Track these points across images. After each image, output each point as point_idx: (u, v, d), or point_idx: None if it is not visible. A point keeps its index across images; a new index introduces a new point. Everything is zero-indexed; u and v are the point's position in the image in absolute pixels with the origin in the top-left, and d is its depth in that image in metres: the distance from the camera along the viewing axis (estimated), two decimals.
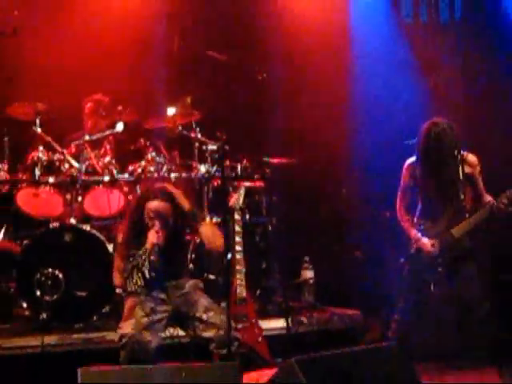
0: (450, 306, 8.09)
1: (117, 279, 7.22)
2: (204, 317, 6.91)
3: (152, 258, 6.87)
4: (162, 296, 7.04)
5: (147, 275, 6.89)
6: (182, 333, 7.27)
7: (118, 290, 7.93)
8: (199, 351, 7.01)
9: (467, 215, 7.97)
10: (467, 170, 8.02)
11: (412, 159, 8.10)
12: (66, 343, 8.01)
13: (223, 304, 7.91)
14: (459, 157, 7.93)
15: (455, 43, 10.89)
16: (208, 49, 10.06)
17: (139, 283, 6.89)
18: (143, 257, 6.89)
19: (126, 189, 9.37)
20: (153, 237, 6.89)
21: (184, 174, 9.48)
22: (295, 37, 10.64)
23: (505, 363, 7.73)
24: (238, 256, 7.95)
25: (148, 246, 6.89)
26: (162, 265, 7.03)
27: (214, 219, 9.20)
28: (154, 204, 6.96)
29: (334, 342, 8.24)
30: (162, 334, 7.04)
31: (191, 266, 8.99)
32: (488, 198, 7.96)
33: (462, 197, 7.99)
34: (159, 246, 6.92)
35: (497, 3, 10.10)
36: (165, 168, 9.35)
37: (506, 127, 9.27)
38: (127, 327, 6.78)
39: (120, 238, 7.46)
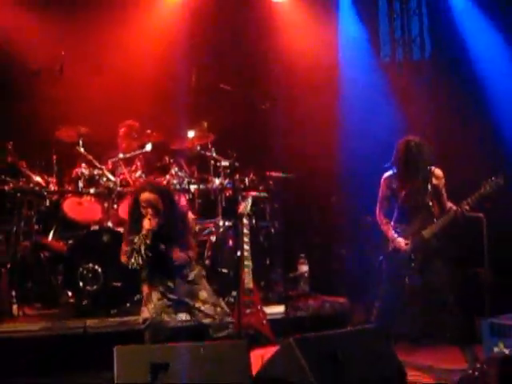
0: (421, 295, 8.08)
1: (123, 259, 7.15)
2: (202, 308, 7.03)
3: (147, 241, 6.95)
4: (171, 285, 7.09)
5: (144, 256, 6.96)
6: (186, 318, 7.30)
7: None
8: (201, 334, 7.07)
9: (435, 219, 7.98)
10: (434, 181, 8.05)
11: (388, 173, 8.13)
12: (104, 325, 8.05)
13: (234, 293, 7.97)
14: (428, 170, 7.98)
15: (426, 77, 10.89)
16: (220, 82, 10.06)
17: (139, 262, 6.97)
18: (140, 241, 6.96)
19: None
20: (147, 224, 6.97)
21: (201, 186, 9.49)
22: (293, 71, 10.67)
23: (467, 343, 7.72)
24: (246, 253, 7.95)
25: (144, 231, 6.95)
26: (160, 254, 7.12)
27: (227, 223, 9.23)
28: (145, 196, 7.05)
29: (325, 325, 8.23)
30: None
31: (207, 261, 9.01)
32: (450, 204, 7.98)
33: (431, 204, 8.01)
34: (153, 230, 6.97)
35: (461, 45, 10.07)
36: (185, 181, 9.36)
37: (466, 147, 9.27)
38: (147, 312, 6.90)
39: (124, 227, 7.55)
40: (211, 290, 7.34)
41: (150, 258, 7.07)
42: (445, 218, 7.95)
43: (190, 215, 7.76)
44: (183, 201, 9.28)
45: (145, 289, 7.17)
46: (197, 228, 9.35)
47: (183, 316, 7.28)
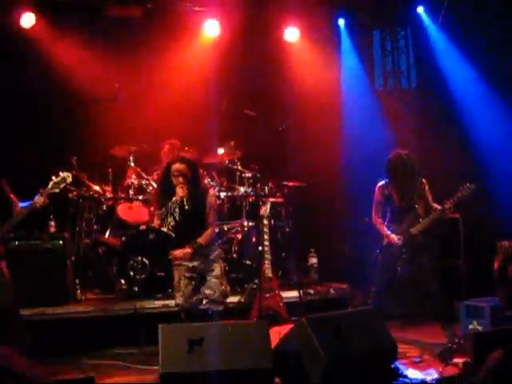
0: (409, 282, 8.10)
1: (156, 223, 7.28)
2: (207, 292, 7.04)
3: (183, 205, 7.02)
4: (195, 263, 7.11)
5: (177, 218, 7.01)
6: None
7: None
8: None
9: (421, 219, 8.02)
10: (420, 188, 8.09)
11: (381, 183, 8.18)
12: (150, 307, 8.09)
13: (256, 281, 8.00)
14: (415, 179, 8.02)
15: (412, 103, 10.89)
16: (245, 109, 10.11)
17: (171, 224, 7.02)
18: (174, 205, 6.99)
19: None
20: (180, 191, 7.01)
21: (229, 193, 9.52)
22: (303, 98, 10.66)
23: (447, 321, 7.74)
24: (266, 248, 7.92)
25: (177, 197, 6.99)
26: (189, 219, 7.13)
27: (250, 223, 9.28)
28: (176, 166, 7.11)
29: (331, 307, 8.26)
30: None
31: (235, 255, 9.07)
32: (435, 205, 8.00)
33: (417, 207, 8.05)
34: (185, 197, 7.02)
35: (440, 77, 10.08)
36: (216, 189, 9.36)
37: (444, 159, 9.31)
38: (178, 297, 7.03)
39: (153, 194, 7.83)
40: (224, 271, 7.44)
41: (177, 231, 7.14)
42: (431, 217, 7.98)
43: (212, 191, 7.77)
44: (208, 182, 9.36)
45: (175, 276, 7.20)
46: (225, 227, 9.43)
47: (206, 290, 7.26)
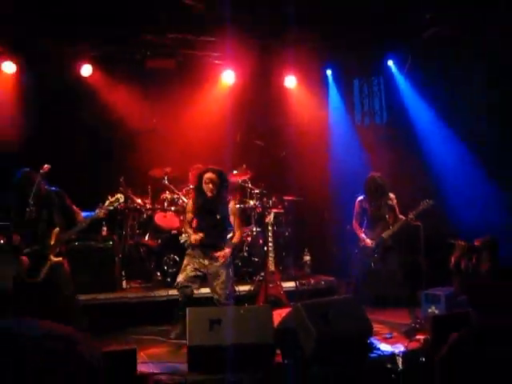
0: (380, 275, 8.10)
1: (186, 228, 7.16)
2: (217, 288, 6.84)
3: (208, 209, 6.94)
4: (206, 262, 6.88)
5: (205, 219, 6.96)
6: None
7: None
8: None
9: (391, 227, 8.02)
10: (389, 202, 8.09)
11: (360, 198, 8.24)
12: None
13: (262, 274, 7.97)
14: (386, 195, 8.02)
15: (384, 135, 10.86)
16: (254, 139, 10.14)
17: (201, 225, 6.92)
18: (204, 207, 6.94)
19: None
20: (209, 195, 6.89)
21: (242, 205, 9.47)
22: (299, 131, 10.68)
23: (412, 306, 7.72)
24: (270, 248, 7.94)
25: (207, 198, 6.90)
26: (214, 221, 6.98)
27: (258, 229, 9.25)
28: (208, 175, 6.97)
29: (320, 295, 8.27)
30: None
31: (245, 253, 9.05)
32: (400, 216, 8.01)
33: (387, 217, 8.06)
34: (213, 201, 6.91)
35: (406, 114, 10.11)
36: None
37: (409, 179, 9.31)
38: (180, 277, 6.83)
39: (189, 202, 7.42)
40: (231, 275, 7.08)
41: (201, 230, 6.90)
42: (398, 225, 8.01)
43: (232, 202, 7.45)
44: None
45: (185, 260, 6.96)
46: None
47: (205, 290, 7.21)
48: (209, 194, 6.89)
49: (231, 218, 7.11)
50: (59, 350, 1.61)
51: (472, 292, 4.30)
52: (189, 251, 7.04)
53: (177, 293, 7.03)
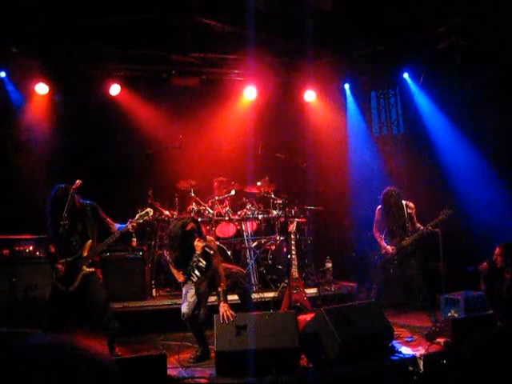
0: (401, 280, 8.05)
1: (179, 277, 6.46)
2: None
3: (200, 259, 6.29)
4: (201, 288, 6.34)
5: (202, 270, 6.26)
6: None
7: None
8: None
9: (410, 234, 7.97)
10: (409, 211, 8.04)
11: (380, 206, 8.16)
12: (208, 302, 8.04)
13: (286, 281, 7.97)
14: (404, 206, 7.98)
15: (401, 145, 10.87)
16: (276, 152, 10.15)
17: (198, 276, 6.24)
18: (196, 259, 6.27)
19: (236, 223, 9.36)
20: (199, 244, 6.24)
21: (265, 215, 9.50)
22: (319, 143, 10.63)
23: (432, 309, 7.66)
24: (293, 256, 7.96)
25: (198, 251, 6.22)
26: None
27: (281, 238, 9.24)
28: (191, 225, 6.39)
29: (342, 300, 8.26)
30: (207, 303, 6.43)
31: (270, 261, 9.04)
32: (418, 225, 7.97)
33: (407, 225, 8.00)
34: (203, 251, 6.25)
35: (422, 125, 10.08)
36: (256, 212, 9.40)
37: (427, 188, 9.27)
38: (184, 308, 6.33)
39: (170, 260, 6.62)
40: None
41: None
42: (416, 234, 7.94)
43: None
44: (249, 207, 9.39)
45: (184, 290, 6.46)
46: (263, 241, 9.41)
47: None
48: (199, 246, 6.33)
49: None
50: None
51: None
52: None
53: (214, 300, 6.82)
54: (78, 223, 6.29)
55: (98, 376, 1.56)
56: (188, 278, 6.33)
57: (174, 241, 6.41)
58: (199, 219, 9.06)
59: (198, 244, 6.29)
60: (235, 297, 6.88)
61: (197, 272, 6.30)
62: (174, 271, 6.50)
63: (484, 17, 8.32)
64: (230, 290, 6.60)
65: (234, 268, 7.05)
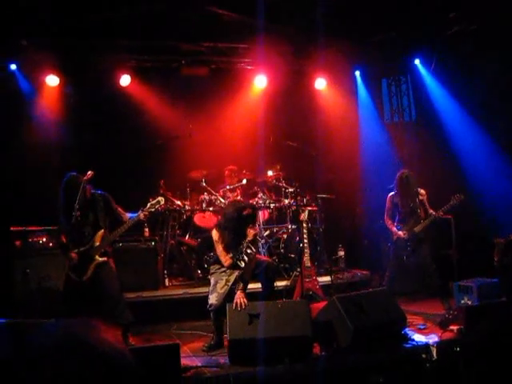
0: (413, 267, 8.02)
1: (226, 260, 6.40)
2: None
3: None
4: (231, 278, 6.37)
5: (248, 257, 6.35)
6: None
7: None
8: None
9: (422, 221, 7.94)
10: (420, 197, 8.02)
11: (392, 193, 8.13)
12: None
13: (298, 269, 7.97)
14: (416, 191, 7.95)
15: (412, 132, 10.81)
16: (287, 140, 10.12)
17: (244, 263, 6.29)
18: (245, 245, 6.37)
19: None
20: (251, 231, 6.46)
21: (277, 204, 9.49)
22: (330, 131, 10.56)
23: (445, 297, 7.64)
24: (305, 244, 7.96)
25: (250, 237, 6.40)
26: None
27: (293, 226, 9.23)
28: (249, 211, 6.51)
29: (355, 288, 8.25)
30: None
31: (282, 250, 9.03)
32: (431, 211, 7.92)
33: (418, 211, 7.97)
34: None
35: (434, 111, 9.99)
36: (267, 201, 9.37)
37: (439, 174, 9.21)
38: (212, 299, 6.31)
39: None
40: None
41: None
42: (428, 220, 7.91)
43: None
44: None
45: (212, 280, 6.49)
46: (275, 229, 9.41)
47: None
48: (251, 233, 6.48)
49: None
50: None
51: None
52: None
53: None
54: (90, 213, 6.32)
55: (114, 369, 1.56)
56: (235, 262, 6.37)
57: (229, 222, 6.47)
58: (210, 209, 9.14)
59: (251, 231, 6.44)
60: (258, 285, 6.79)
61: (245, 257, 6.34)
62: (223, 253, 6.45)
63: (496, 1, 8.22)
64: (254, 278, 6.59)
65: (264, 258, 7.10)
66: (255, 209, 6.74)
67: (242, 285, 6.20)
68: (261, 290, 6.69)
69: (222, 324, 6.34)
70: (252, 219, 6.57)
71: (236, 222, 6.42)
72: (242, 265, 6.33)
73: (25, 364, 1.54)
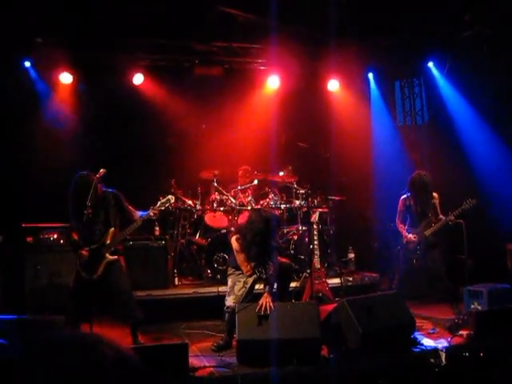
0: (423, 271, 8.00)
1: (245, 268, 6.43)
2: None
3: None
4: (249, 279, 6.40)
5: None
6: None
7: None
8: None
9: (432, 224, 7.92)
10: (433, 201, 7.98)
11: (404, 196, 8.10)
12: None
13: (308, 271, 7.96)
14: (431, 193, 7.93)
15: (425, 135, 10.77)
16: (299, 141, 10.14)
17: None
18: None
19: None
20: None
21: (288, 205, 9.47)
22: (342, 133, 10.51)
23: (455, 301, 7.61)
24: (315, 246, 7.94)
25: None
26: None
27: (304, 228, 9.21)
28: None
29: (364, 291, 8.24)
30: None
31: (292, 251, 9.02)
32: (441, 216, 7.90)
33: (430, 215, 7.95)
34: None
35: (446, 115, 9.96)
36: (278, 202, 9.35)
37: (451, 179, 9.15)
38: (230, 301, 6.31)
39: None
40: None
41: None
42: (439, 224, 7.88)
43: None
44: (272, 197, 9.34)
45: (229, 281, 6.51)
46: (285, 231, 9.38)
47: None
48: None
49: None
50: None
51: None
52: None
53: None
54: (101, 211, 6.35)
55: (123, 373, 1.57)
56: (255, 272, 6.34)
57: (256, 237, 6.32)
58: (221, 209, 9.15)
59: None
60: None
61: (267, 269, 6.31)
62: (244, 263, 6.43)
63: (511, 3, 8.18)
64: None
65: (282, 259, 7.08)
66: (280, 221, 6.67)
67: (268, 287, 6.20)
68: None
69: (234, 325, 6.30)
70: (275, 231, 6.47)
71: (264, 236, 6.33)
72: (264, 275, 6.33)
73: (31, 361, 1.56)
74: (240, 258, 6.46)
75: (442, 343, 6.00)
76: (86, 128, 9.57)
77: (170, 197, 6.63)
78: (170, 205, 6.71)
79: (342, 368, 5.50)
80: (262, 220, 6.38)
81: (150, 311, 6.90)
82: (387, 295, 6.74)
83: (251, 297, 6.33)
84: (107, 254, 6.30)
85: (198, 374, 5.41)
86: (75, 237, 6.33)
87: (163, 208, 6.59)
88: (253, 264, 6.38)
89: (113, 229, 6.38)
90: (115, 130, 9.77)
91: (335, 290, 7.98)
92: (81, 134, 9.52)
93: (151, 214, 6.47)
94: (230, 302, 6.33)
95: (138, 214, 6.55)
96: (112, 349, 1.58)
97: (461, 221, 7.87)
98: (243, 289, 6.32)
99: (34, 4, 7.78)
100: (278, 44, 9.29)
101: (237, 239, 6.50)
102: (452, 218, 7.76)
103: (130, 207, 6.56)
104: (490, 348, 5.51)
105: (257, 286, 6.65)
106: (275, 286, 6.45)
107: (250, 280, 6.35)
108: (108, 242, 6.33)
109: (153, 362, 4.94)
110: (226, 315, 6.35)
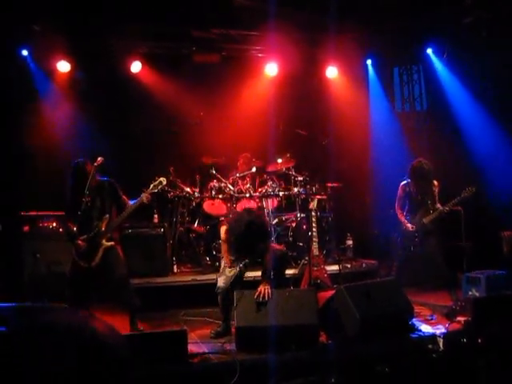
0: (421, 258, 8.01)
1: (226, 259, 6.41)
2: None
3: None
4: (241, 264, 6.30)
5: None
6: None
7: None
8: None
9: (431, 212, 7.92)
10: (433, 188, 7.98)
11: (404, 182, 8.10)
12: None
13: (306, 258, 7.95)
14: (431, 181, 7.92)
15: (424, 122, 10.76)
16: (297, 128, 10.12)
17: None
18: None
19: (257, 200, 9.30)
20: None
21: (286, 192, 9.47)
22: (341, 119, 10.46)
23: (452, 288, 7.62)
24: (314, 233, 7.93)
25: None
26: None
27: (302, 215, 9.21)
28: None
29: (362, 277, 8.22)
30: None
31: (291, 238, 9.03)
32: (438, 205, 7.91)
33: (429, 202, 7.95)
34: None
35: (445, 101, 9.93)
36: (276, 189, 9.34)
37: (450, 166, 9.15)
38: (220, 281, 6.27)
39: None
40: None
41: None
42: (437, 212, 7.89)
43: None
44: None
45: (222, 262, 6.50)
46: (283, 218, 9.39)
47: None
48: None
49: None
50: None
51: None
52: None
53: None
54: (97, 199, 6.34)
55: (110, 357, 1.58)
56: (233, 265, 6.31)
57: (237, 239, 6.21)
58: (219, 196, 9.14)
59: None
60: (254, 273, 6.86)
61: (244, 266, 6.27)
62: (225, 253, 6.43)
63: None
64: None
65: (277, 247, 7.09)
66: (264, 226, 6.45)
67: (266, 274, 6.18)
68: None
69: (229, 309, 6.29)
70: (262, 236, 6.27)
71: (243, 239, 6.15)
72: (243, 269, 6.29)
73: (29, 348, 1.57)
74: (224, 247, 6.48)
75: (439, 329, 6.00)
76: (83, 116, 9.53)
77: (161, 179, 6.55)
78: (163, 187, 6.62)
79: (340, 354, 5.50)
80: (244, 224, 6.12)
81: (149, 299, 6.92)
82: (385, 282, 6.74)
83: (242, 280, 6.36)
84: (103, 241, 6.29)
85: (197, 360, 5.42)
86: (71, 226, 6.32)
87: (156, 191, 6.50)
88: (233, 258, 6.35)
89: (107, 216, 6.38)
90: (112, 118, 9.73)
91: (333, 276, 7.96)
92: (78, 121, 9.48)
93: (143, 197, 6.40)
94: (220, 282, 6.28)
95: (130, 202, 6.52)
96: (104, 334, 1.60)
97: (459, 208, 7.87)
98: (234, 270, 6.26)
99: None
100: (277, 31, 9.23)
101: (225, 231, 6.46)
102: (447, 208, 7.79)
103: (123, 196, 6.54)
104: (488, 334, 5.52)
105: (255, 274, 6.69)
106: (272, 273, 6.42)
107: (242, 265, 6.29)
108: (103, 229, 6.32)
109: (152, 349, 4.96)
110: (218, 297, 6.34)
